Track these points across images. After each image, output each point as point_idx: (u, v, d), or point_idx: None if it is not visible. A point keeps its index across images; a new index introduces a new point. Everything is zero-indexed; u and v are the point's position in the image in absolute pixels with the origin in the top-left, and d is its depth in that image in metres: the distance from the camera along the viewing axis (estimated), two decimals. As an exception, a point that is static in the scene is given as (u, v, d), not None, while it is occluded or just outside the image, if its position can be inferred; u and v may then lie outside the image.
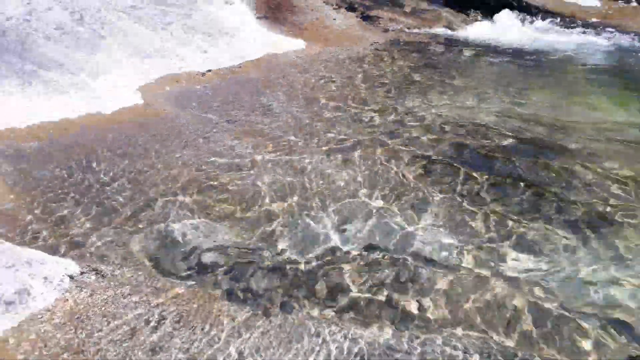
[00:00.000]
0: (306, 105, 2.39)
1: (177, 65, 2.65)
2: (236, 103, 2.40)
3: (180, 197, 1.71)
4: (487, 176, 1.87)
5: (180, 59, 2.69)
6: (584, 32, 3.11)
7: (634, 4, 3.47)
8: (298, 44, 3.14)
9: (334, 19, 3.49)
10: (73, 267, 1.33)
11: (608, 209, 1.70)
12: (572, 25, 3.23)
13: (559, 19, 3.30)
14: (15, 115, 2.00)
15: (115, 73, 2.42)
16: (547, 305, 1.36)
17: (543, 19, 3.33)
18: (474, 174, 1.88)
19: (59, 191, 1.69)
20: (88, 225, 1.55)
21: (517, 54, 2.97)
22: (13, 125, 1.97)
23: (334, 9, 3.61)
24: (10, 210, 1.58)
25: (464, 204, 1.74)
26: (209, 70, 2.69)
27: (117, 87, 2.33)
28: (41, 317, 1.16)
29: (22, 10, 2.56)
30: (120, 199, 1.68)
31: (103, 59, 2.48)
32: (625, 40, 3.04)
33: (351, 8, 3.64)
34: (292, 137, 2.09)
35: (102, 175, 1.78)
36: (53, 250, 1.42)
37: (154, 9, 3.02)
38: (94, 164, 1.84)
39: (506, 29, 3.30)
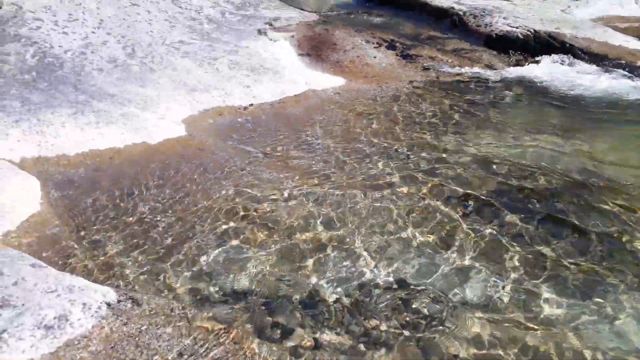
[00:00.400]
0: (344, 141, 2.41)
1: (220, 99, 2.73)
2: (275, 137, 2.45)
3: (218, 227, 1.74)
4: (529, 216, 1.82)
5: (224, 93, 2.77)
6: (630, 77, 3.04)
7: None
8: (338, 81, 3.19)
9: (374, 57, 3.54)
10: (111, 295, 1.36)
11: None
12: (618, 68, 3.16)
13: (605, 62, 3.25)
14: (67, 143, 2.10)
15: (163, 105, 2.51)
16: (586, 354, 1.30)
17: (588, 61, 3.27)
18: (516, 214, 1.84)
19: (102, 218, 1.74)
20: (127, 253, 1.60)
21: (560, 96, 2.92)
22: (64, 152, 2.07)
23: (374, 47, 3.67)
24: (55, 236, 1.64)
25: (505, 243, 1.70)
26: (251, 105, 2.76)
27: (163, 119, 2.42)
28: (78, 344, 1.19)
29: (80, 44, 2.72)
30: (160, 228, 1.72)
31: (151, 91, 2.59)
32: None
33: (391, 46, 3.69)
34: (329, 171, 2.11)
35: (143, 204, 1.83)
36: (93, 277, 1.46)
37: (201, 45, 3.15)
38: (137, 193, 1.90)
39: (549, 71, 3.26)
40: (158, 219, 1.76)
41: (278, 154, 2.29)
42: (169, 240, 1.67)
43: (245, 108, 2.75)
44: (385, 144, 2.38)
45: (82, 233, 1.66)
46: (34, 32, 2.64)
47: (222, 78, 2.90)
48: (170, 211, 1.81)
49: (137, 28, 3.03)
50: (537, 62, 3.38)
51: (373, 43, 3.70)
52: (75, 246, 1.60)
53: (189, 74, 2.85)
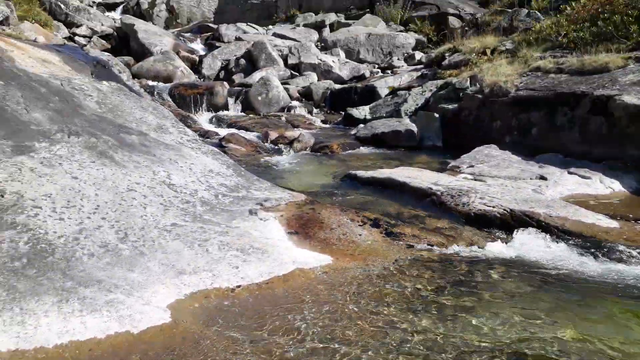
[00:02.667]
0: (332, 324, 2.37)
1: (209, 281, 2.74)
2: (261, 321, 2.41)
3: None
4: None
5: (213, 275, 2.79)
6: (607, 257, 3.15)
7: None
8: (325, 259, 3.25)
9: (360, 235, 3.66)
10: None
11: None
12: (594, 247, 3.29)
13: (580, 240, 3.39)
14: (47, 334, 2.04)
15: (149, 290, 2.51)
16: None
17: (564, 239, 3.42)
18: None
19: None
20: None
21: (541, 274, 2.99)
22: (43, 344, 1.99)
23: (359, 225, 3.81)
24: None
25: None
26: (239, 286, 2.77)
27: (148, 304, 2.39)
28: None
29: (74, 229, 2.81)
30: None
31: (139, 275, 2.60)
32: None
33: (376, 224, 3.84)
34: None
35: (119, 405, 1.72)
36: None
37: (193, 227, 3.26)
38: (113, 391, 1.79)
39: (528, 248, 3.38)
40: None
41: (264, 341, 2.23)
42: None
43: (232, 290, 2.74)
44: (373, 329, 2.34)
45: None
46: (31, 220, 2.74)
47: (212, 259, 2.95)
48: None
49: (132, 212, 3.16)
50: (515, 239, 3.52)
51: (358, 221, 3.86)
52: None
53: (179, 256, 2.90)
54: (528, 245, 3.42)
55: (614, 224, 3.64)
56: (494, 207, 3.87)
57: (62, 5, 13.38)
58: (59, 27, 12.46)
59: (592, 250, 3.26)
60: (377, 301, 2.65)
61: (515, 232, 3.61)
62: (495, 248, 3.41)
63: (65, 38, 11.74)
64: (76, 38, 12.58)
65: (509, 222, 3.72)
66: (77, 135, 3.82)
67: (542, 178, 4.76)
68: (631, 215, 3.89)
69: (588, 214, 3.72)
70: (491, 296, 2.71)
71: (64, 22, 13.14)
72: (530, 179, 4.78)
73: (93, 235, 2.83)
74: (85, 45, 12.14)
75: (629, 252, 3.19)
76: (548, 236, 3.47)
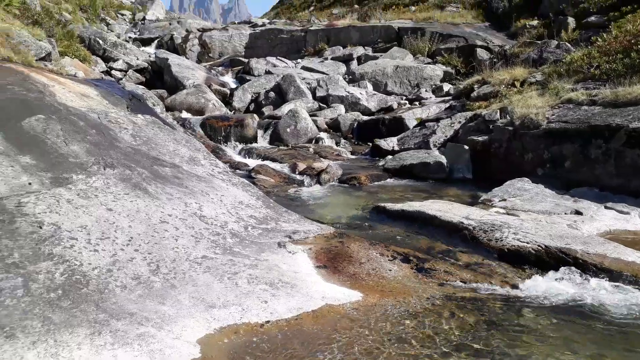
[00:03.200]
0: (363, 365, 2.32)
1: (238, 315, 2.72)
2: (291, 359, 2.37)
3: None
4: None
5: (242, 310, 2.78)
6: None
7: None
8: (354, 295, 3.20)
9: (390, 270, 3.61)
10: None
11: None
12: (636, 287, 3.16)
13: (621, 279, 3.26)
14: (81, 368, 2.05)
15: (180, 323, 2.51)
16: None
17: (602, 278, 3.29)
18: None
19: None
20: None
21: (580, 315, 2.87)
22: (74, 378, 2.01)
23: (389, 260, 3.76)
24: None
25: None
26: (267, 322, 2.74)
27: (179, 339, 2.39)
28: None
29: (108, 261, 2.86)
30: None
31: (170, 309, 2.61)
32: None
33: (406, 260, 3.78)
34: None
35: None
36: None
37: (223, 259, 3.28)
38: None
39: (564, 286, 3.26)
40: None
41: (294, 380, 2.19)
42: None
43: (262, 325, 2.72)
44: (407, 370, 2.28)
45: None
46: (67, 251, 2.80)
47: (241, 293, 2.94)
48: None
49: (164, 244, 3.19)
50: (551, 277, 3.41)
51: (388, 256, 3.82)
52: None
53: (209, 289, 2.90)
54: (565, 283, 3.30)
55: (659, 261, 3.49)
56: (528, 243, 3.77)
57: (101, 41, 13.98)
58: (97, 61, 13.00)
59: (634, 290, 3.12)
60: (408, 342, 2.58)
61: (551, 270, 3.49)
62: (531, 286, 3.31)
63: (102, 72, 12.22)
64: (113, 72, 13.08)
65: (544, 259, 3.61)
66: (112, 167, 3.92)
67: (578, 213, 4.63)
68: (675, 253, 3.72)
69: (628, 251, 3.58)
70: (528, 338, 2.62)
71: (102, 56, 13.71)
72: (565, 213, 4.65)
73: (126, 267, 2.86)
74: (121, 78, 12.60)
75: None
76: (586, 274, 3.35)
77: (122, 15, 24.26)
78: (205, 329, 2.56)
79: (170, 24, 20.45)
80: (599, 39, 8.06)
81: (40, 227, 2.92)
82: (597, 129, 5.54)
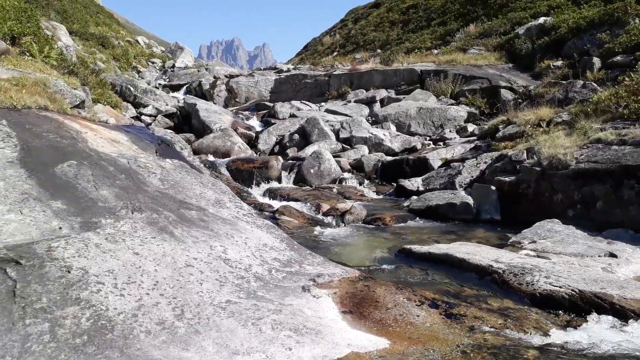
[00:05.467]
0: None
1: (261, 363, 2.67)
2: (317, 410, 2.29)
3: None
4: None
5: (266, 357, 2.72)
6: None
7: None
8: (381, 342, 3.11)
9: (417, 316, 3.51)
10: None
11: None
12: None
13: (661, 326, 3.09)
14: (101, 416, 2.02)
15: (203, 371, 2.47)
16: None
17: (643, 325, 3.13)
18: None
19: None
20: None
21: (621, 364, 2.72)
22: None
23: (417, 305, 3.67)
24: None
25: None
26: (292, 370, 2.67)
27: (201, 387, 2.35)
28: None
29: (133, 306, 2.86)
30: None
31: (194, 355, 2.58)
32: None
33: (434, 305, 3.68)
34: None
35: None
36: None
37: (247, 304, 3.24)
38: None
39: (601, 334, 3.11)
40: None
41: None
42: None
43: (286, 374, 2.65)
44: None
45: None
46: (94, 295, 2.81)
47: (265, 340, 2.89)
48: None
49: (188, 289, 3.19)
50: (586, 324, 3.26)
51: (415, 301, 3.72)
52: None
53: (233, 335, 2.86)
54: (601, 331, 3.15)
55: None
56: (560, 287, 3.63)
57: (132, 88, 14.54)
58: (127, 107, 13.48)
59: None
60: (438, 391, 2.48)
61: (586, 316, 3.34)
62: (565, 333, 3.16)
63: (132, 117, 12.65)
64: (143, 117, 13.53)
65: (578, 304, 3.47)
66: (140, 211, 3.99)
67: (612, 255, 4.46)
68: None
69: (668, 302, 3.41)
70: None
71: (133, 102, 14.23)
72: (599, 256, 4.49)
73: (151, 312, 2.86)
74: (150, 123, 13.00)
75: None
76: (624, 321, 3.19)
77: (153, 63, 25.31)
78: (229, 376, 2.51)
79: (198, 71, 21.19)
80: (627, 79, 7.98)
81: (69, 272, 2.96)
82: (628, 169, 5.41)
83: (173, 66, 24.28)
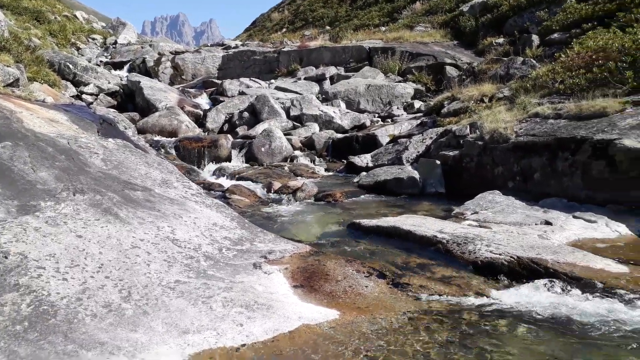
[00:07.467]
0: (340, 385, 2.30)
1: (213, 340, 2.68)
2: (268, 382, 2.34)
3: None
4: None
5: (217, 334, 2.73)
6: (618, 303, 3.08)
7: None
8: (332, 313, 3.19)
9: (366, 287, 3.61)
10: None
11: None
12: (604, 293, 3.23)
13: (590, 286, 3.33)
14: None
15: (153, 351, 2.45)
16: None
17: (573, 286, 3.36)
18: None
19: None
20: None
21: (552, 324, 2.92)
22: (41, 413, 1.94)
23: (365, 276, 3.77)
24: None
25: None
26: (243, 345, 2.70)
27: (151, 367, 2.34)
28: None
29: (77, 289, 2.79)
30: None
31: (143, 336, 2.56)
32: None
33: (382, 275, 3.80)
34: None
35: None
36: None
37: (197, 283, 3.23)
38: None
39: (536, 296, 3.32)
40: None
41: (270, 403, 2.16)
42: None
43: (237, 349, 2.68)
44: (384, 387, 2.27)
45: None
46: (34, 281, 2.72)
47: (216, 317, 2.90)
48: None
49: (135, 270, 3.14)
50: (523, 287, 3.46)
51: (364, 272, 3.82)
52: None
53: (183, 314, 2.85)
54: (537, 293, 3.36)
55: (623, 268, 3.58)
56: (500, 254, 3.82)
57: (71, 66, 13.82)
58: (67, 86, 12.83)
59: (603, 296, 3.19)
60: (386, 358, 2.58)
61: (523, 280, 3.55)
62: (504, 297, 3.35)
63: (73, 96, 12.06)
64: (84, 96, 12.92)
65: (516, 270, 3.67)
66: (82, 193, 3.85)
67: (548, 223, 4.73)
68: (640, 259, 3.83)
69: (597, 259, 3.67)
70: (503, 351, 2.64)
71: (72, 81, 13.54)
72: (536, 224, 4.75)
73: (96, 295, 2.80)
74: (92, 102, 12.45)
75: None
76: (557, 283, 3.41)
77: (93, 39, 24.09)
78: (180, 355, 2.51)
79: (142, 47, 20.37)
80: (562, 55, 8.35)
81: (6, 257, 2.84)
82: (563, 142, 5.71)
83: (115, 43, 23.19)
